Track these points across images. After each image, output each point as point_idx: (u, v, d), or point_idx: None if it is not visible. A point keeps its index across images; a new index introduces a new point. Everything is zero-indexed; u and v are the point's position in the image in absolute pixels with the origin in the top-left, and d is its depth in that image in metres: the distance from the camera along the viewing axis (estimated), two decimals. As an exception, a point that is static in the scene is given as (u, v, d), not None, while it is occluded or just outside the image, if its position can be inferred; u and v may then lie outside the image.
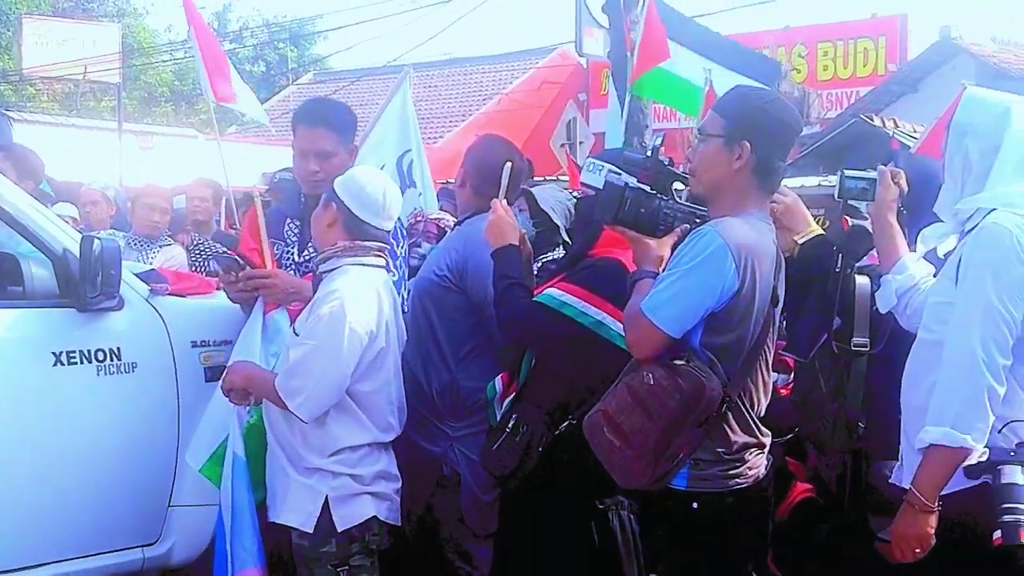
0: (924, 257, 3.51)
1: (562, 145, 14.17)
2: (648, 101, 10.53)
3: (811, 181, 10.89)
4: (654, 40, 7.82)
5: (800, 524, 4.04)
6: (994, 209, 3.06)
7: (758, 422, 3.28)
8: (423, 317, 4.27)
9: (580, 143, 14.21)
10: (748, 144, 3.21)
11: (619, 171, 3.69)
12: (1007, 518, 2.84)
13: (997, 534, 2.84)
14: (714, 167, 3.27)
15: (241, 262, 4.25)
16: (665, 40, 7.79)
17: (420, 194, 7.30)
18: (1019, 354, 2.98)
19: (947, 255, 3.31)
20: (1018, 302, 2.94)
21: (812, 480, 4.22)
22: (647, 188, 3.46)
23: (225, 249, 5.92)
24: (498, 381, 3.96)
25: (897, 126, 13.62)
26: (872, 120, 14.12)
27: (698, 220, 3.32)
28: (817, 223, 3.97)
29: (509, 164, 4.21)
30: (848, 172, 3.65)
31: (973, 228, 3.08)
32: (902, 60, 20.19)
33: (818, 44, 21.46)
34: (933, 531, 2.97)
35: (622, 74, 9.06)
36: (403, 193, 7.26)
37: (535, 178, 7.65)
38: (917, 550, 3.00)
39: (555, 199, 5.89)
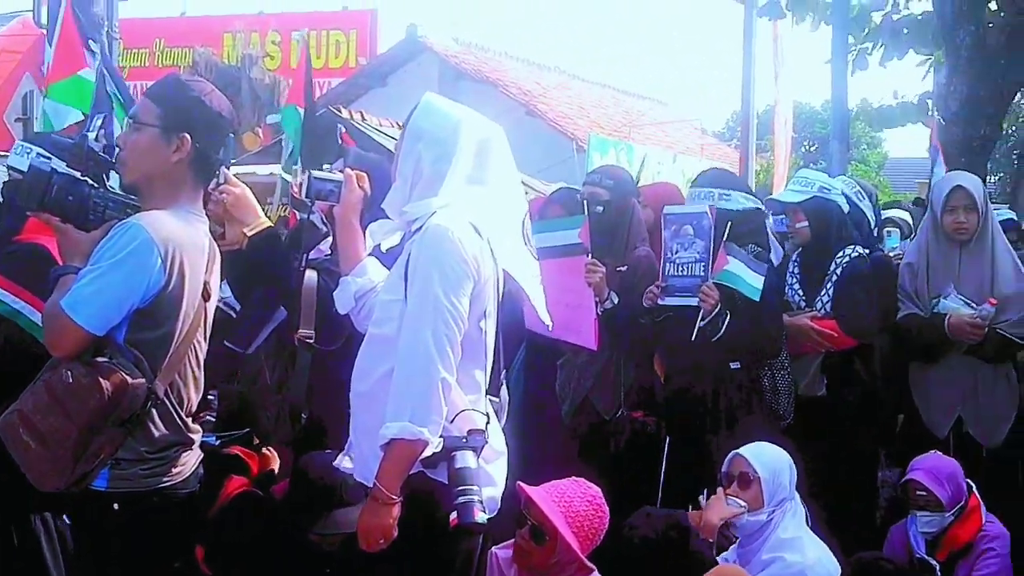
0: (370, 253, 3.58)
1: (17, 120, 13.23)
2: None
3: (263, 170, 10.79)
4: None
5: (234, 520, 4.01)
6: (436, 212, 3.15)
7: (186, 420, 3.23)
8: None
9: (37, 118, 13.31)
10: (188, 136, 3.17)
11: (48, 155, 3.56)
12: (461, 499, 2.93)
13: (453, 516, 2.93)
14: (149, 158, 3.19)
15: None
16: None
17: None
18: (466, 348, 3.09)
19: (390, 250, 3.39)
20: (463, 297, 3.04)
21: None
22: (77, 175, 3.32)
23: None
24: None
25: (364, 119, 13.95)
26: (340, 112, 14.38)
27: (130, 211, 3.22)
28: (269, 215, 3.96)
29: None
30: (316, 173, 3.64)
31: (420, 229, 3.16)
32: (372, 54, 20.86)
33: (292, 32, 21.61)
34: (395, 522, 3.00)
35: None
36: None
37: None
38: (381, 541, 3.03)
39: None
